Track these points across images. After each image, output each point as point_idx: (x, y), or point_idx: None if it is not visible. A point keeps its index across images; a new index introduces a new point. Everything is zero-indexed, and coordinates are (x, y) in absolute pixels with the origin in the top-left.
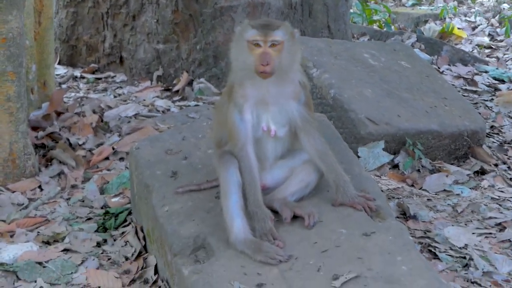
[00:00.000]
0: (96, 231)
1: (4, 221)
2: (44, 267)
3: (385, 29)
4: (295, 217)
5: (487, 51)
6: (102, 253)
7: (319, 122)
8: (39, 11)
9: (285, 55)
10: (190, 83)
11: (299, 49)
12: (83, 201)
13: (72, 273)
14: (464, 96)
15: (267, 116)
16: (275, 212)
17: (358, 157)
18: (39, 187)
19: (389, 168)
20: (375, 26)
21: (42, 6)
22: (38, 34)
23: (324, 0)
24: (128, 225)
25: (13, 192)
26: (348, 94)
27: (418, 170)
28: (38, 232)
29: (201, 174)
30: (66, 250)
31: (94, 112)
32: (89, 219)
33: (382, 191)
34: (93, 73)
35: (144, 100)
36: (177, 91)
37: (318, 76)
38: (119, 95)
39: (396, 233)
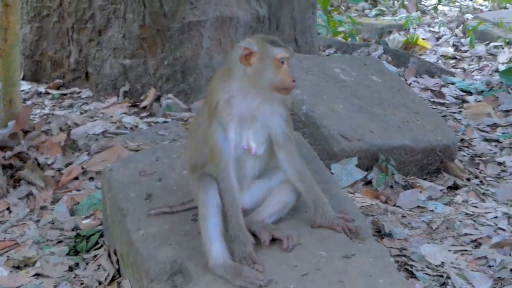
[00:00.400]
0: (68, 254)
1: None
2: None
3: (350, 40)
4: (273, 240)
5: (452, 62)
6: (74, 277)
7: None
8: (4, 27)
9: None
10: (157, 99)
11: None
12: (53, 223)
13: None
14: (432, 108)
15: (248, 134)
16: (253, 235)
17: (331, 173)
18: (7, 209)
19: (362, 185)
20: (339, 38)
21: (8, 22)
22: (4, 51)
23: (291, 13)
24: (100, 247)
25: None
26: (320, 110)
27: (391, 186)
28: (8, 256)
29: (176, 196)
30: (37, 275)
31: (61, 129)
32: (60, 241)
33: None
34: (58, 88)
35: (112, 116)
36: (145, 107)
37: None
38: (86, 111)
39: (376, 254)
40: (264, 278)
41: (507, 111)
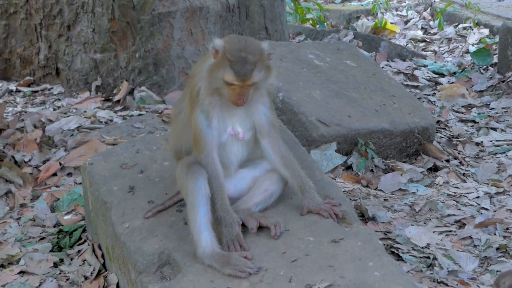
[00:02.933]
0: (51, 250)
1: None
2: None
3: (318, 27)
4: (261, 228)
5: (421, 44)
6: (60, 273)
7: None
8: None
9: (261, 83)
10: (131, 92)
11: (273, 66)
12: (34, 220)
13: None
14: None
15: (233, 120)
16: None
17: None
18: None
19: (343, 170)
20: (308, 25)
21: None
22: None
23: (260, 1)
24: (83, 243)
25: None
26: (296, 97)
27: (372, 170)
28: None
29: (159, 187)
30: (22, 273)
31: (35, 126)
32: (43, 238)
33: None
34: (28, 86)
35: (85, 111)
36: (118, 100)
37: None
38: (59, 107)
39: (365, 238)
40: (253, 266)
41: (481, 91)
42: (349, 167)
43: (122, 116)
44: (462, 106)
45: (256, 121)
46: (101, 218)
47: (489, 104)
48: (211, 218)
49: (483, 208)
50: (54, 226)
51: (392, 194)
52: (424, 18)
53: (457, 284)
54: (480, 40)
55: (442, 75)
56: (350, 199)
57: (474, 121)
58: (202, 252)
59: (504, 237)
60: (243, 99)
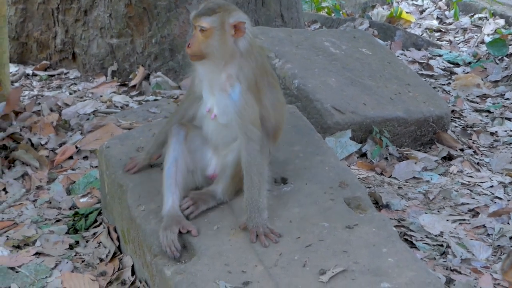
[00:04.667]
0: (67, 233)
1: None
2: (17, 272)
3: (334, 15)
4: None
5: (437, 34)
6: (75, 255)
7: (291, 114)
8: None
9: (212, 42)
10: (146, 78)
11: (247, 45)
12: (50, 202)
13: (46, 277)
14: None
15: (213, 100)
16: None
17: None
18: (4, 189)
19: (357, 157)
20: (323, 13)
21: None
22: None
23: None
24: (99, 225)
25: None
26: (312, 84)
27: (386, 158)
28: (7, 236)
29: None
30: (38, 254)
31: (51, 110)
32: (58, 220)
33: None
34: (45, 70)
35: (101, 96)
36: (134, 86)
37: (281, 67)
38: (75, 91)
39: (379, 224)
40: (177, 248)
41: (496, 81)
42: (363, 155)
43: (138, 101)
44: (477, 96)
45: (225, 109)
46: (117, 201)
47: (504, 94)
48: (179, 181)
49: (496, 197)
50: (70, 209)
51: (406, 182)
52: (439, 8)
53: (470, 272)
54: (495, 30)
55: (457, 65)
56: (365, 186)
57: (488, 111)
58: (163, 211)
59: None
60: (190, 42)
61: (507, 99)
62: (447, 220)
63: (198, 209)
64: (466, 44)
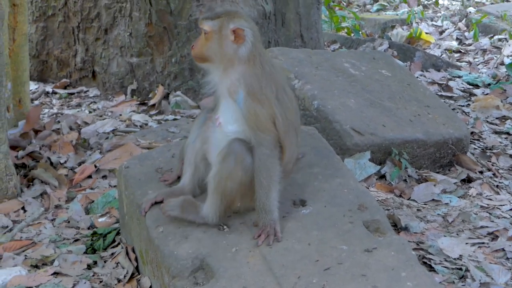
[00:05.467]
0: (85, 252)
1: None
2: None
3: (353, 35)
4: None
5: (456, 55)
6: (93, 275)
7: (310, 136)
8: (13, 27)
9: (212, 45)
10: (166, 97)
11: (233, 45)
12: (68, 221)
13: None
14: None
15: (221, 108)
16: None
17: None
18: (22, 208)
19: (376, 179)
20: (343, 33)
21: (16, 22)
22: (12, 51)
23: (296, 9)
24: (117, 245)
25: None
26: (331, 105)
27: (405, 180)
28: (26, 255)
29: None
30: (56, 274)
31: (71, 128)
32: (77, 240)
33: None
34: (65, 88)
35: (121, 115)
36: (153, 105)
37: (300, 88)
38: (94, 110)
39: (398, 248)
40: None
41: None
42: (382, 177)
43: (157, 120)
44: (496, 118)
45: (233, 115)
46: (135, 221)
47: None
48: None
49: None
50: (88, 228)
51: (425, 204)
52: (459, 29)
53: None
54: None
55: (477, 86)
56: (383, 209)
57: (508, 133)
58: None
59: None
60: (194, 44)
61: None
62: (466, 243)
63: (179, 213)
64: (485, 66)
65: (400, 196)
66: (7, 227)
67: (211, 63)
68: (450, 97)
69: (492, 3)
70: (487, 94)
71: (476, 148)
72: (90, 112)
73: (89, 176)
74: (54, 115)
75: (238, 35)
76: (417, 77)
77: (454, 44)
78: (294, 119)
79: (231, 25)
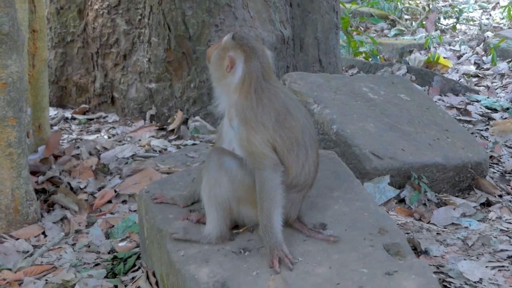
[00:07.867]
0: (106, 277)
1: (10, 269)
2: None
3: (371, 60)
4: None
5: (474, 79)
6: None
7: (330, 160)
8: (32, 53)
9: (212, 61)
10: (185, 122)
11: (226, 69)
12: (89, 246)
13: None
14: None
15: (224, 130)
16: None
17: None
18: (43, 233)
19: (396, 203)
20: (361, 58)
21: (35, 48)
22: (32, 77)
23: (315, 34)
24: (137, 270)
25: (17, 239)
26: (350, 129)
27: (425, 204)
28: (47, 280)
29: None
30: None
31: (90, 154)
32: (97, 264)
33: None
34: (84, 113)
35: (140, 140)
36: (173, 130)
37: (319, 112)
38: (113, 135)
39: (418, 271)
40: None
41: None
42: (402, 200)
43: (176, 145)
44: None
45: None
46: (156, 245)
47: None
48: None
49: None
50: (109, 253)
51: (444, 228)
52: (477, 53)
53: None
54: None
55: (495, 110)
56: (403, 232)
57: None
58: None
59: None
60: (212, 45)
61: None
62: (486, 266)
63: (183, 235)
64: (503, 90)
65: (420, 219)
66: (27, 252)
67: (215, 87)
68: (469, 121)
69: (509, 28)
70: (505, 118)
71: (495, 172)
72: (109, 137)
73: (109, 201)
74: (74, 141)
75: (231, 64)
76: (436, 101)
77: (472, 68)
78: (301, 135)
79: (230, 53)
